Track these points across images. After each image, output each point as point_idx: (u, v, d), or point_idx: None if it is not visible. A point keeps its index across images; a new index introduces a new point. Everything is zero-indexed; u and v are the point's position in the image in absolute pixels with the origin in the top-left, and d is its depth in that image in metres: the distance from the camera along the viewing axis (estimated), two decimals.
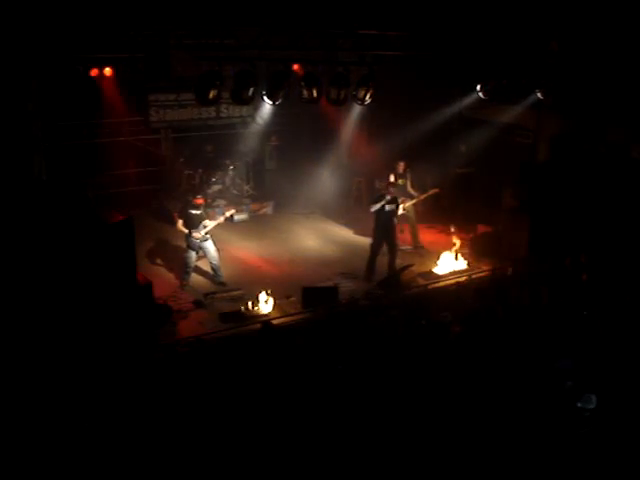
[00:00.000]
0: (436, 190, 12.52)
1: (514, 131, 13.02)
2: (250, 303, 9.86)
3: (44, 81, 10.50)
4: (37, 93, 10.19)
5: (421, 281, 11.09)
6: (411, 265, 11.17)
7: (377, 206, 10.91)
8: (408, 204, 12.28)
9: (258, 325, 8.88)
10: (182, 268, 10.85)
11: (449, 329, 7.85)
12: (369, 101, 9.95)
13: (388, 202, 10.96)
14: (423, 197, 12.51)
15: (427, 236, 13.13)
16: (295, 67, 11.16)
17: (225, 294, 10.38)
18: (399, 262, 11.27)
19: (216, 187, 14.65)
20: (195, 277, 10.94)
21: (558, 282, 9.36)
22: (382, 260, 11.23)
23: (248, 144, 15.12)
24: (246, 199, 14.94)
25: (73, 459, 6.13)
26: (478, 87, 11.00)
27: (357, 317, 8.96)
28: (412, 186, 12.50)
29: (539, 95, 11.21)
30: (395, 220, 11.22)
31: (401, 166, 12.49)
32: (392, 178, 12.38)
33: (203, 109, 13.72)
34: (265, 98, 9.53)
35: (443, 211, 13.65)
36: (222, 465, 6.13)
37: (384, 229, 11.05)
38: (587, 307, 8.35)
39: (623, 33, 10.29)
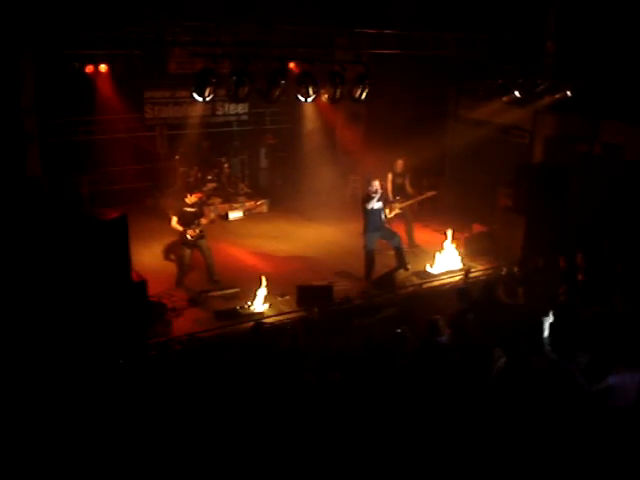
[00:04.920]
0: (433, 193, 12.44)
1: (510, 131, 13.01)
2: (245, 301, 9.83)
3: (39, 77, 10.44)
4: (32, 89, 10.14)
5: (416, 280, 11.09)
6: (406, 264, 11.16)
7: (373, 202, 10.66)
8: (405, 204, 12.24)
9: (253, 323, 8.84)
10: (177, 266, 10.81)
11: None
12: (364, 99, 9.93)
13: (378, 199, 10.83)
14: (420, 198, 12.42)
15: (423, 235, 13.12)
16: (291, 65, 11.13)
17: (220, 292, 10.34)
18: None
19: (211, 185, 14.62)
20: (190, 275, 10.90)
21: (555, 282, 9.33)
22: (380, 260, 11.20)
23: (243, 142, 15.08)
24: (241, 197, 14.91)
25: (65, 457, 6.11)
26: (475, 86, 11.00)
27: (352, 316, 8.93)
28: (410, 185, 12.43)
29: None
30: (383, 215, 11.16)
31: (399, 165, 12.33)
32: (390, 177, 12.33)
33: (198, 106, 13.69)
34: (261, 96, 9.50)
35: (439, 211, 13.65)
36: (216, 465, 6.11)
37: (374, 227, 10.94)
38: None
39: (621, 31, 10.30)
